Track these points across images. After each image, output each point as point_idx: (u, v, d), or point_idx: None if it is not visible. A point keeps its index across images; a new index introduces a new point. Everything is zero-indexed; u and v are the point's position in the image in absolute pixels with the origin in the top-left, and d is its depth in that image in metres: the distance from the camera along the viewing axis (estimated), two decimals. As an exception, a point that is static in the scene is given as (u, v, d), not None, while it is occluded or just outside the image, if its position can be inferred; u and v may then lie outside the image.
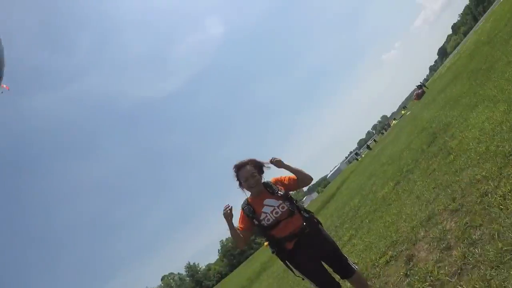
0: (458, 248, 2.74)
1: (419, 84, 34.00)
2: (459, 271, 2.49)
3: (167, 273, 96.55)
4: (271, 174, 3.14)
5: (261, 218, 2.85)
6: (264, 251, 31.90)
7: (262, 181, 3.04)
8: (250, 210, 2.91)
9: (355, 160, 52.65)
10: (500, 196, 2.82)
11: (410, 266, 3.25)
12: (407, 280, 3.04)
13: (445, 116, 7.64)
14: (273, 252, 2.90)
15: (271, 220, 2.83)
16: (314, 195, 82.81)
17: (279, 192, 2.94)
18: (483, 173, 3.45)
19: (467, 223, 2.95)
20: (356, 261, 4.63)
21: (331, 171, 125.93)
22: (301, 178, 3.03)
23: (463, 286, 2.27)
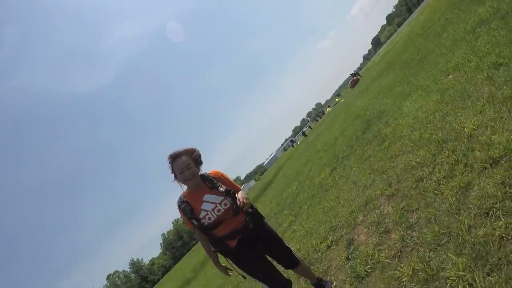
0: (397, 231, 2.85)
1: (353, 72, 35.47)
2: (398, 254, 2.58)
3: (112, 272, 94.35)
4: (210, 167, 3.01)
5: (201, 216, 2.60)
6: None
7: (200, 173, 2.75)
8: (188, 209, 2.64)
9: (291, 147, 53.95)
10: (435, 181, 2.95)
11: (351, 250, 3.32)
12: (349, 264, 3.10)
13: (379, 104, 7.97)
14: (215, 251, 2.74)
15: (212, 219, 2.60)
16: (252, 183, 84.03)
17: (220, 187, 2.66)
18: (418, 160, 3.61)
19: (403, 208, 3.07)
20: (298, 247, 4.72)
21: (267, 159, 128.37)
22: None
23: (404, 267, 2.35)
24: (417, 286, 2.09)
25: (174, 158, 2.64)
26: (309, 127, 62.61)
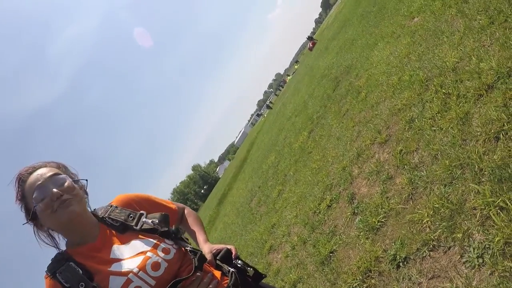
0: (401, 175, 2.78)
1: (309, 36, 35.45)
2: (410, 197, 2.51)
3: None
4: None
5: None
6: None
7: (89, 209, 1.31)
8: (78, 274, 1.10)
9: (262, 118, 54.26)
10: (429, 118, 2.88)
11: (355, 204, 3.23)
12: (358, 218, 3.01)
13: (343, 60, 7.89)
14: None
15: (149, 284, 1.15)
16: (226, 163, 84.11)
17: (142, 218, 1.28)
18: (403, 102, 3.54)
19: (401, 151, 3.00)
20: (295, 213, 4.65)
21: (237, 137, 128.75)
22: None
23: (422, 209, 2.27)
24: (443, 223, 2.01)
25: (25, 175, 1.21)
26: (275, 94, 63.54)
